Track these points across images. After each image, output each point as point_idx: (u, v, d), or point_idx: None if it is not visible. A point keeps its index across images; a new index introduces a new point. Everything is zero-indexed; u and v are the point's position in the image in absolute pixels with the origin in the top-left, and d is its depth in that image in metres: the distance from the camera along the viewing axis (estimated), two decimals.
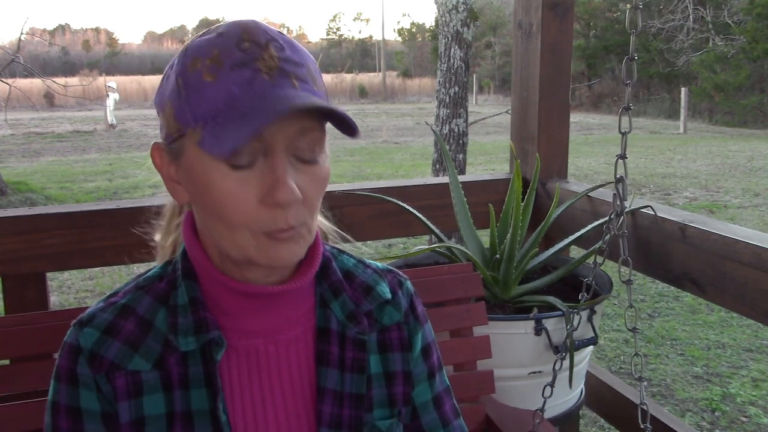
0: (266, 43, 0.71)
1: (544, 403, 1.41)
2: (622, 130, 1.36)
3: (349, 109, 23.56)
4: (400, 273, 0.95)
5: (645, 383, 1.37)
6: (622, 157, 1.37)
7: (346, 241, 0.98)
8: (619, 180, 1.38)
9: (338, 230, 0.98)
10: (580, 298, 1.47)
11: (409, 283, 0.94)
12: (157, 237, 0.92)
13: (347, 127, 0.72)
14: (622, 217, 1.40)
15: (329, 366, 0.83)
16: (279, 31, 0.74)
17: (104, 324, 0.78)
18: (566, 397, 1.68)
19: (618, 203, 1.39)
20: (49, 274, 1.63)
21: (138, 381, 0.76)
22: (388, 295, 0.89)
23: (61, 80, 10.72)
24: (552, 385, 1.43)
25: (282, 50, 0.72)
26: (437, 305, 1.48)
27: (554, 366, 1.44)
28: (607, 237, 1.42)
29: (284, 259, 0.73)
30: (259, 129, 0.65)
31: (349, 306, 0.85)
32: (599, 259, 1.46)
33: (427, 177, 5.50)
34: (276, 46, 0.72)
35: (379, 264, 0.94)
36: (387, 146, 13.61)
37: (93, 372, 0.76)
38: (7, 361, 1.24)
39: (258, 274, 0.77)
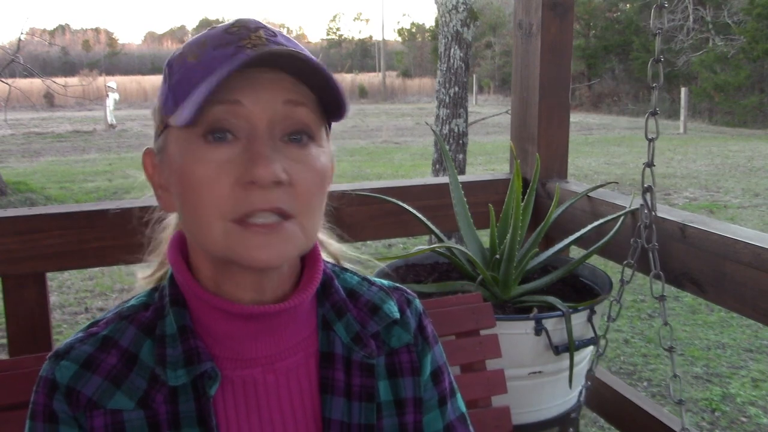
0: (256, 28, 0.69)
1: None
2: (649, 136, 1.28)
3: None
4: (408, 291, 0.87)
5: (685, 406, 1.29)
6: (649, 165, 1.29)
7: (344, 240, 0.92)
8: (647, 189, 1.30)
9: (344, 249, 0.92)
10: (606, 320, 1.38)
11: (417, 302, 0.87)
12: (141, 275, 0.85)
13: (334, 98, 0.68)
14: (651, 229, 1.32)
15: (335, 394, 0.75)
16: (279, 30, 0.72)
17: (83, 357, 0.71)
18: (566, 397, 1.68)
19: (647, 214, 1.32)
20: (49, 274, 1.63)
21: (119, 421, 0.69)
22: (397, 315, 0.82)
23: (61, 80, 10.72)
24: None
25: (273, 36, 0.70)
26: (447, 338, 1.40)
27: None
28: (637, 251, 1.34)
29: (262, 255, 0.65)
30: (224, 75, 0.62)
31: (354, 327, 0.78)
32: (626, 276, 1.39)
33: (427, 177, 5.50)
34: (267, 32, 0.70)
35: (385, 282, 0.87)
36: (387, 146, 13.60)
37: (71, 409, 0.69)
38: None
39: (246, 284, 0.71)
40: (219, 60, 0.66)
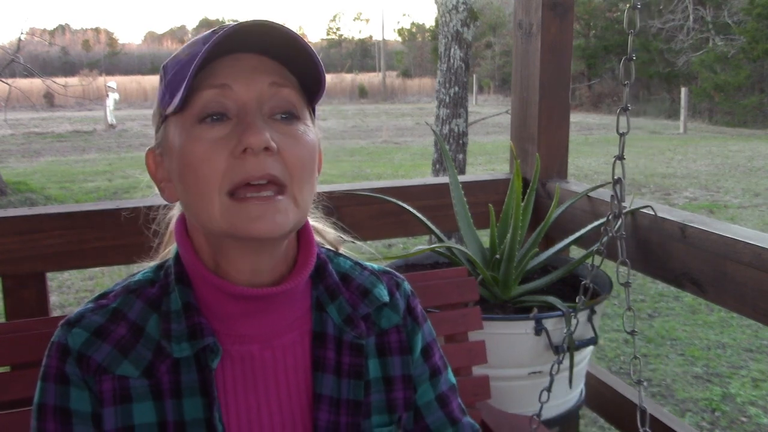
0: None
1: (541, 408, 1.40)
2: (620, 131, 1.35)
3: (349, 109, 23.55)
4: (397, 274, 0.92)
5: (645, 384, 1.37)
6: (620, 158, 1.36)
7: (349, 241, 0.97)
8: (617, 181, 1.37)
9: (341, 235, 0.96)
10: (577, 301, 1.46)
11: (406, 284, 0.92)
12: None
13: (312, 73, 0.73)
14: (620, 219, 1.39)
15: (326, 372, 0.80)
16: None
17: (94, 326, 0.75)
18: (566, 397, 1.68)
19: (616, 204, 1.39)
20: (49, 274, 1.63)
21: (125, 387, 0.74)
22: (386, 298, 0.86)
23: (61, 80, 10.71)
24: (549, 389, 1.42)
25: None
26: (432, 310, 1.46)
27: (551, 371, 1.43)
28: (605, 239, 1.42)
29: (260, 226, 0.69)
30: (204, 54, 0.67)
31: (346, 309, 0.83)
32: (597, 261, 1.45)
33: (427, 177, 5.50)
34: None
35: (376, 266, 0.91)
36: (387, 146, 13.60)
37: (82, 373, 0.74)
38: (7, 368, 1.19)
39: (243, 264, 0.75)
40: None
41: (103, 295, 0.80)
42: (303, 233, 0.83)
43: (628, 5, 1.30)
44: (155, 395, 0.74)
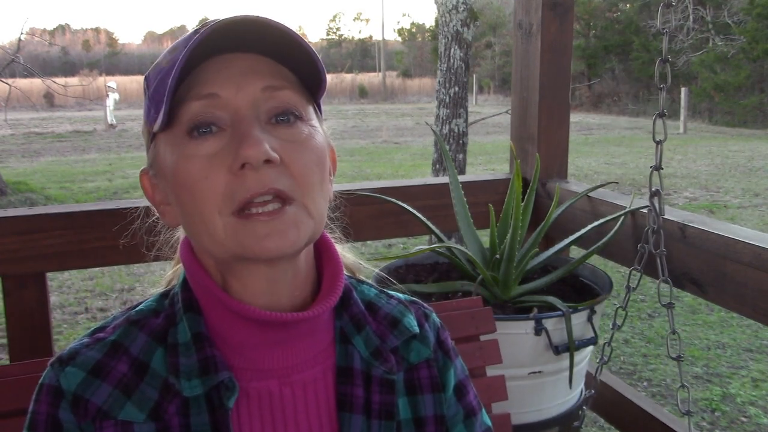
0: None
1: None
2: (657, 139, 1.25)
3: (349, 109, 23.55)
4: (425, 305, 0.85)
5: (693, 413, 1.26)
6: (657, 168, 1.27)
7: (349, 241, 0.90)
8: (655, 193, 1.27)
9: (360, 261, 0.88)
10: (604, 340, 1.34)
11: (435, 316, 0.84)
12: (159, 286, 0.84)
13: (309, 67, 0.65)
14: (659, 234, 1.28)
15: (353, 412, 0.71)
16: None
17: (90, 363, 0.66)
18: (566, 397, 1.68)
19: (654, 218, 1.29)
20: (49, 274, 1.63)
21: None
22: (416, 329, 0.78)
23: (61, 80, 10.71)
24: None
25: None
26: None
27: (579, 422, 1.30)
28: (645, 257, 1.31)
29: (271, 243, 0.62)
30: (182, 64, 0.60)
31: (373, 341, 0.74)
32: (633, 282, 1.35)
33: (427, 177, 5.50)
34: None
35: (401, 295, 0.83)
36: (387, 146, 13.60)
37: (78, 419, 0.64)
38: None
39: (258, 287, 0.67)
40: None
41: (100, 328, 0.71)
42: (327, 254, 0.75)
43: (662, 2, 1.22)
44: None
